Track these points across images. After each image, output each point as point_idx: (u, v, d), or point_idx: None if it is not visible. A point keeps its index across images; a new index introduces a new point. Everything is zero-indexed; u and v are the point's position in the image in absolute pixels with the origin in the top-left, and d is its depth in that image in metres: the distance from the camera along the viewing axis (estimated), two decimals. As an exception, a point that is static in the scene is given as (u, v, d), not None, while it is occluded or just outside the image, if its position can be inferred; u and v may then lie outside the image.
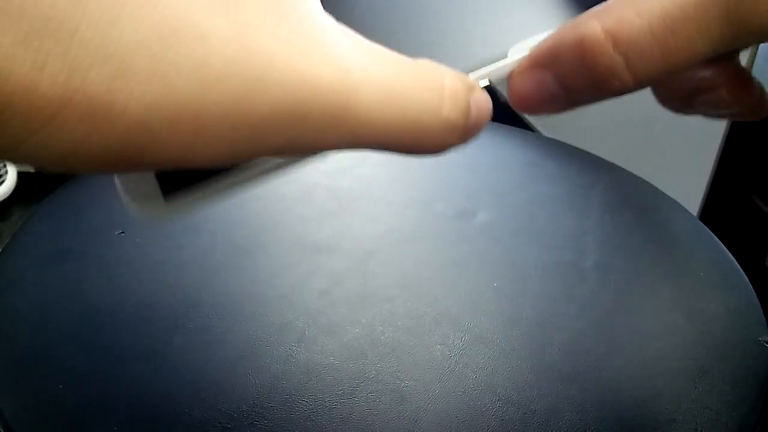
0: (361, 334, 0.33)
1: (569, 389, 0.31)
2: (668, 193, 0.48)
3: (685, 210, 0.47)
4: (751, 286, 0.40)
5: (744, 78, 0.18)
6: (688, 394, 0.32)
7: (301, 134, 0.13)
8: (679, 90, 0.19)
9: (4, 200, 0.81)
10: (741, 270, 0.41)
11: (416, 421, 0.29)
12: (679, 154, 0.66)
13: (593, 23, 0.16)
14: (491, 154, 0.49)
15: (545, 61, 0.17)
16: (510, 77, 0.18)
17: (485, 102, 0.17)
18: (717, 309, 0.38)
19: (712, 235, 0.44)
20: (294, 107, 0.13)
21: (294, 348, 0.32)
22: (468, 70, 0.18)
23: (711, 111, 0.19)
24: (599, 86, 0.16)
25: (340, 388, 0.30)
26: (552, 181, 0.49)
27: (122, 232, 0.40)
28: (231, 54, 0.12)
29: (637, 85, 0.16)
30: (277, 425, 0.28)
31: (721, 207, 0.69)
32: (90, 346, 0.32)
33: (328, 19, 0.14)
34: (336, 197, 0.44)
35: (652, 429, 0.31)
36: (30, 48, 0.10)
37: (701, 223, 0.46)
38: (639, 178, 0.50)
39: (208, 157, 0.12)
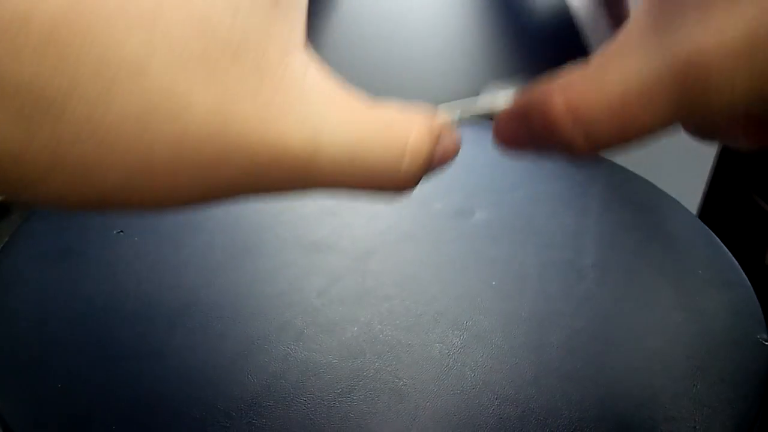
0: (360, 332, 0.34)
1: (568, 388, 0.32)
2: (667, 192, 0.48)
3: (685, 208, 0.47)
4: (750, 285, 0.40)
5: (757, 120, 0.19)
6: (686, 393, 0.32)
7: (266, 186, 0.14)
8: (696, 128, 0.20)
9: (4, 200, 0.81)
10: (740, 268, 0.41)
11: (415, 419, 0.29)
12: (679, 152, 0.66)
13: (557, 98, 0.17)
14: (490, 153, 0.49)
15: (519, 118, 0.19)
16: (495, 120, 0.20)
17: (453, 143, 0.18)
18: (716, 307, 0.38)
19: (712, 233, 0.44)
20: (262, 168, 0.14)
21: (292, 346, 0.32)
22: (446, 106, 0.19)
23: (734, 145, 0.20)
24: (562, 150, 0.18)
25: (339, 387, 0.30)
26: (551, 179, 0.49)
27: (121, 231, 0.40)
28: (208, 125, 0.13)
29: (596, 153, 0.18)
30: (275, 423, 0.29)
31: (721, 205, 0.69)
32: (89, 345, 0.32)
33: (309, 71, 0.15)
34: (334, 196, 0.44)
35: (650, 427, 0.31)
36: (21, 123, 0.11)
37: (700, 222, 0.46)
38: (638, 176, 0.50)
39: (180, 204, 0.14)
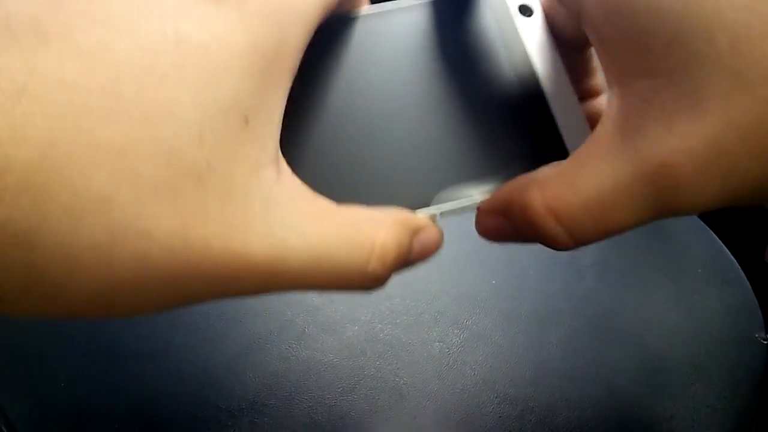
0: (361, 331, 0.34)
1: (567, 386, 0.32)
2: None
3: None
4: (748, 283, 0.40)
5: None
6: (684, 391, 0.32)
7: (234, 292, 0.15)
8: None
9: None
10: (738, 267, 0.41)
11: (415, 418, 0.30)
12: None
13: (535, 196, 0.18)
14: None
15: (500, 213, 0.20)
16: (477, 212, 0.20)
17: (433, 238, 0.19)
18: (714, 306, 0.38)
19: (710, 231, 0.45)
20: (227, 279, 0.15)
21: (294, 346, 0.33)
22: (423, 210, 0.20)
23: None
24: (547, 244, 0.19)
25: (340, 386, 0.31)
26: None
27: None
28: (172, 246, 0.14)
29: (580, 246, 0.18)
30: (276, 422, 0.29)
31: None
32: (92, 344, 0.32)
33: (277, 185, 0.16)
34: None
35: (649, 426, 0.31)
36: None
37: (699, 220, 0.46)
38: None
39: (148, 311, 0.15)
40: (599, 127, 0.18)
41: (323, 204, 0.17)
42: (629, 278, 0.40)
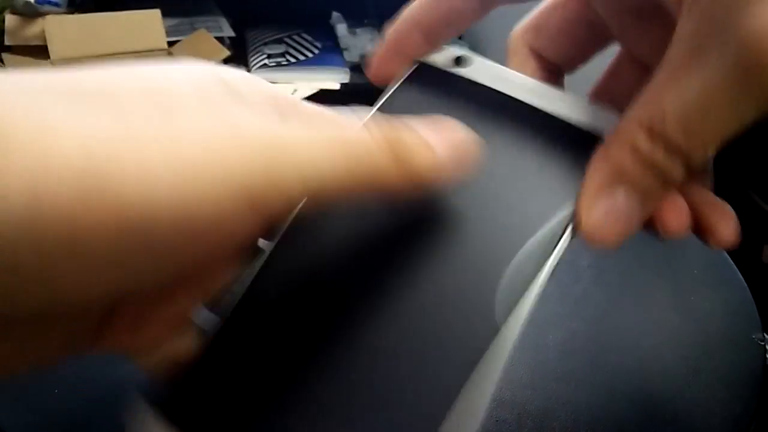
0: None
1: (564, 389, 0.32)
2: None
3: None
4: (745, 284, 0.40)
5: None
6: (682, 393, 0.32)
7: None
8: None
9: None
10: (735, 267, 0.41)
11: (411, 423, 0.29)
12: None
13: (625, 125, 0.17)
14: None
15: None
16: (578, 223, 0.17)
17: (461, 145, 0.17)
18: (711, 307, 0.38)
19: (707, 232, 0.44)
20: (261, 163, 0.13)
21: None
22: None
23: None
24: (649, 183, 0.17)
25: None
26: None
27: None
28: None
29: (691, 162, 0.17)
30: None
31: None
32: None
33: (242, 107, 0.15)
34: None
35: (646, 428, 0.31)
36: None
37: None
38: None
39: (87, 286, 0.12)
40: (670, 52, 0.17)
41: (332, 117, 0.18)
42: (626, 280, 0.40)
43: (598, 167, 0.18)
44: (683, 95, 0.16)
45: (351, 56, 1.28)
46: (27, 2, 1.29)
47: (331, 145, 0.15)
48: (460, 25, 0.21)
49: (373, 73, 0.22)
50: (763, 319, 0.37)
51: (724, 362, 0.34)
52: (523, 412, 0.30)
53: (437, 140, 0.16)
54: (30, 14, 1.31)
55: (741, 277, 0.40)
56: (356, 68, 1.25)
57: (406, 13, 0.21)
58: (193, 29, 1.23)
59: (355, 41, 1.31)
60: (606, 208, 0.18)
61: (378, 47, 0.22)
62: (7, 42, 1.33)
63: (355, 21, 1.36)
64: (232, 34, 1.26)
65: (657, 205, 0.18)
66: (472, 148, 0.17)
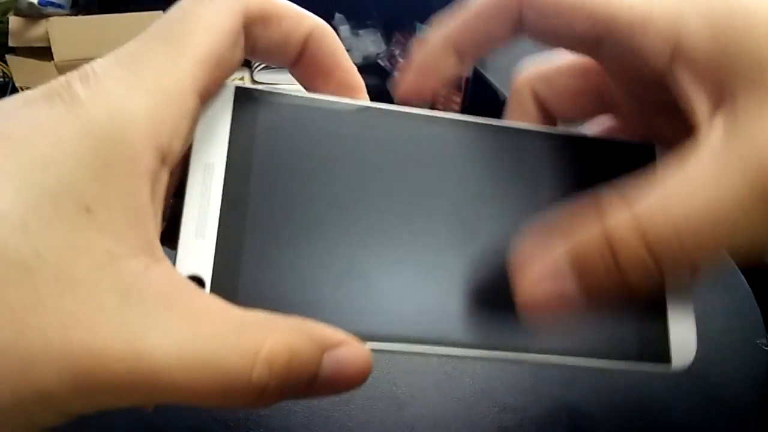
0: (358, 340, 0.33)
1: (567, 394, 0.31)
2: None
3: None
4: (748, 287, 0.40)
5: None
6: (685, 398, 0.32)
7: (95, 392, 0.14)
8: None
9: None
10: (739, 271, 0.41)
11: (413, 428, 0.29)
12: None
13: (617, 206, 0.17)
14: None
15: (558, 274, 0.17)
16: (519, 285, 0.17)
17: (353, 357, 0.16)
18: (715, 311, 0.38)
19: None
20: (79, 375, 0.13)
21: (291, 355, 0.32)
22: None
23: None
24: (637, 288, 0.17)
25: (337, 396, 0.30)
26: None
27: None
28: (1, 338, 0.13)
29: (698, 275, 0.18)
30: (273, 434, 0.28)
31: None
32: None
33: (142, 279, 0.14)
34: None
35: (650, 434, 0.30)
36: None
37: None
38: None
39: None
40: (692, 152, 0.16)
41: (209, 303, 0.15)
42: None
43: (549, 238, 0.17)
44: (695, 204, 0.16)
45: (354, 57, 1.29)
46: (31, 4, 1.29)
47: (203, 371, 0.14)
48: (489, 49, 0.21)
49: (402, 93, 0.21)
50: (767, 324, 0.37)
51: (728, 367, 0.34)
52: (525, 417, 0.30)
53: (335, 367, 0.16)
54: (34, 16, 1.32)
55: (744, 280, 0.40)
56: (359, 69, 1.25)
57: (441, 32, 0.20)
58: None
59: (358, 42, 1.32)
60: (551, 291, 0.17)
61: (406, 66, 0.21)
62: (11, 43, 1.33)
63: (357, 22, 1.36)
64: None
65: (603, 302, 0.17)
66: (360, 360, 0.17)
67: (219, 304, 0.16)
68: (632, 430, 0.31)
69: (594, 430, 0.30)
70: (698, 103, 0.17)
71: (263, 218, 0.18)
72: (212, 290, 0.17)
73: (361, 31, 1.36)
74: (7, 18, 1.32)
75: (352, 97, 0.21)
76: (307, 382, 0.16)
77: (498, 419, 0.30)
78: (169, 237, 0.19)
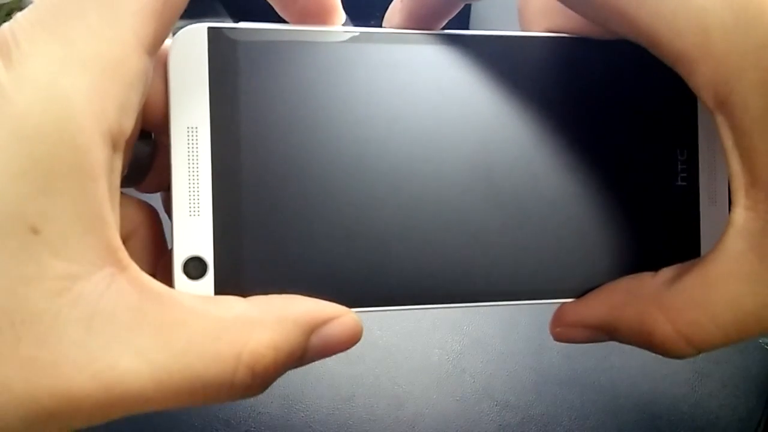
0: (359, 338, 0.33)
1: (568, 393, 0.31)
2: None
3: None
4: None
5: None
6: (687, 398, 0.32)
7: (66, 427, 0.13)
8: None
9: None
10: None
11: (414, 427, 0.29)
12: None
13: (663, 321, 0.16)
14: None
15: (597, 328, 0.18)
16: (558, 320, 0.18)
17: (342, 331, 0.16)
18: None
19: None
20: (45, 420, 0.13)
21: (292, 353, 0.32)
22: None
23: None
24: (662, 354, 0.17)
25: (338, 394, 0.30)
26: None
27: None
28: None
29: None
30: (273, 431, 0.28)
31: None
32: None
33: (102, 297, 0.13)
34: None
35: (651, 433, 0.30)
36: None
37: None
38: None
39: None
40: (727, 242, 0.16)
41: (183, 309, 0.14)
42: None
43: (596, 315, 0.18)
44: (729, 309, 0.15)
45: (357, 57, 1.28)
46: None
47: (179, 384, 0.14)
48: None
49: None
50: None
51: (731, 367, 0.34)
52: (526, 416, 0.30)
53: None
54: (37, 15, 1.32)
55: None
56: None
57: None
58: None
59: (361, 42, 1.31)
60: (587, 337, 0.18)
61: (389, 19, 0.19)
62: (14, 43, 1.34)
63: (361, 22, 1.36)
64: (236, 34, 1.26)
65: None
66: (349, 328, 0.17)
67: (195, 306, 0.14)
68: (633, 430, 0.31)
69: (594, 429, 0.30)
70: (736, 163, 0.15)
71: (260, 181, 0.17)
72: (215, 270, 0.16)
73: (364, 31, 1.35)
74: (11, 18, 1.32)
75: (326, 21, 0.18)
76: (295, 364, 0.16)
77: (498, 418, 0.30)
78: (130, 178, 0.17)
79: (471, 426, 0.29)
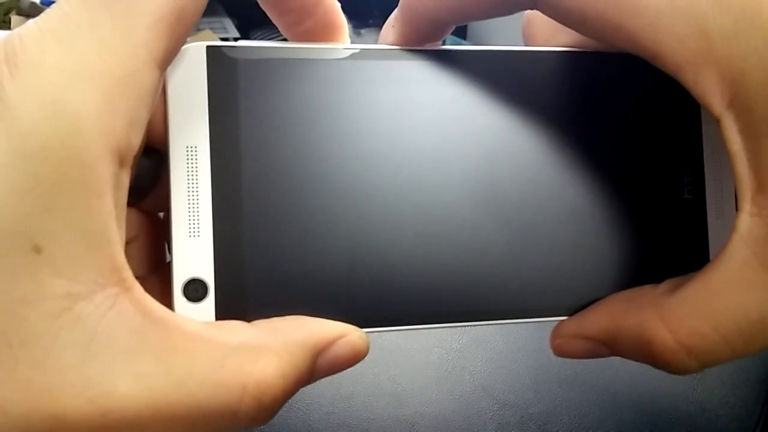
0: (359, 337, 0.33)
1: (567, 392, 0.31)
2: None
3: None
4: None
5: None
6: (686, 397, 0.32)
7: None
8: None
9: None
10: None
11: (413, 425, 0.29)
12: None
13: (663, 331, 0.16)
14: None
15: (597, 340, 0.17)
16: (557, 334, 0.18)
17: (348, 352, 0.16)
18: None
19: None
20: None
21: (291, 352, 0.32)
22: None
23: None
24: (665, 370, 0.17)
25: (337, 392, 0.30)
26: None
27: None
28: None
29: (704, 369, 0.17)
30: (272, 430, 0.28)
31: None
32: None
33: (103, 318, 0.13)
34: None
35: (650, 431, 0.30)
36: None
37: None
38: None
39: None
40: (731, 249, 0.15)
41: (187, 334, 0.14)
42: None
43: (596, 327, 0.17)
44: (733, 318, 0.15)
45: (356, 57, 1.28)
46: (33, 3, 1.29)
47: (179, 412, 0.13)
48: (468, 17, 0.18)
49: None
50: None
51: (729, 365, 0.34)
52: (526, 414, 0.30)
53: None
54: (36, 15, 1.32)
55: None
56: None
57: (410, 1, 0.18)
58: (198, 30, 1.23)
59: (360, 42, 1.32)
60: (588, 350, 0.18)
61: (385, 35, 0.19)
62: (13, 43, 1.33)
63: (359, 21, 1.36)
64: (237, 35, 1.26)
65: None
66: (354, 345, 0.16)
67: (199, 331, 0.14)
68: (632, 429, 0.31)
69: (594, 428, 0.30)
70: (743, 167, 0.15)
71: (261, 201, 0.16)
72: (216, 292, 0.16)
73: (362, 31, 1.35)
74: (9, 18, 1.32)
75: (332, 38, 0.18)
76: (302, 387, 0.15)
77: (498, 416, 0.30)
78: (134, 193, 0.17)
79: (470, 424, 0.29)
